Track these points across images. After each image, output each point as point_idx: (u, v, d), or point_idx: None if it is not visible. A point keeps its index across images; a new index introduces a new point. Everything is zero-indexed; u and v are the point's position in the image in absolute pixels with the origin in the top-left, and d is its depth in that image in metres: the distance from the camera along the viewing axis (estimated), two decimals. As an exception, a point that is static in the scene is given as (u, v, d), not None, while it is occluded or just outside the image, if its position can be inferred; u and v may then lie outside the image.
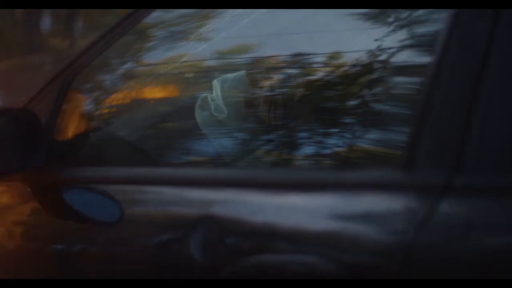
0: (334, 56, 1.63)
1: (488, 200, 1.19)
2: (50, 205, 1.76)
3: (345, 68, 1.61)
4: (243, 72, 1.79)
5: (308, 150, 1.61)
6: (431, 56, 1.29)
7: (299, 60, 1.71)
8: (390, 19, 1.50)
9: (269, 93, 1.74)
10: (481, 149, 1.20)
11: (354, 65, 1.57)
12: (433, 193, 1.22)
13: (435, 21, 1.35)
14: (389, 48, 1.48)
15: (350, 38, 1.60)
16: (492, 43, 1.22)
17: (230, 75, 1.80)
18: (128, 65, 2.05)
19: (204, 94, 1.79)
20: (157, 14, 1.95)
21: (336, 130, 1.58)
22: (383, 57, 1.49)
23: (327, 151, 1.57)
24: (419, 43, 1.44)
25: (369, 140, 1.48)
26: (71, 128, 1.86)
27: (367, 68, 1.52)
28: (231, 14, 1.87)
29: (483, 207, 1.18)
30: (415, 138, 1.26)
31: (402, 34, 1.47)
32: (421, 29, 1.45)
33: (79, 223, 1.70)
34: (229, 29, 1.86)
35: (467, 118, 1.21)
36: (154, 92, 1.98)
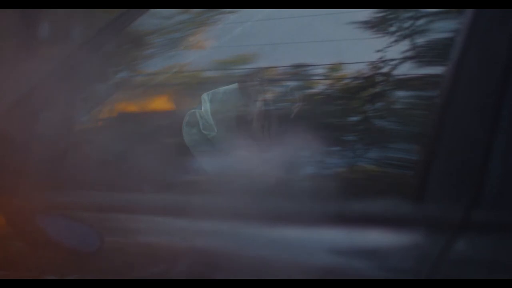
0: (333, 67, 1.51)
1: (510, 238, 1.04)
2: (24, 232, 1.63)
3: (346, 80, 1.48)
4: (235, 85, 1.66)
5: (306, 170, 1.48)
6: (444, 70, 1.16)
7: (296, 72, 1.59)
8: (392, 29, 1.38)
9: (263, 108, 1.60)
10: (503, 180, 1.05)
11: (356, 78, 1.45)
12: (448, 229, 1.07)
13: (441, 31, 1.26)
14: (394, 60, 1.35)
15: (351, 49, 1.47)
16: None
17: (221, 89, 1.67)
18: (114, 75, 1.93)
19: (192, 110, 1.66)
20: (148, 21, 1.84)
21: (337, 148, 1.45)
22: (387, 69, 1.37)
23: (327, 172, 1.43)
24: (428, 54, 1.32)
25: (373, 162, 1.35)
26: (49, 146, 1.73)
27: (370, 81, 1.40)
28: (225, 21, 1.75)
29: (505, 245, 1.03)
30: (427, 166, 1.11)
31: (405, 44, 1.35)
32: (427, 39, 1.33)
33: (55, 251, 1.57)
34: (223, 38, 1.75)
35: (487, 142, 1.06)
36: (141, 106, 1.85)
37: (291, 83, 1.62)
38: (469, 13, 1.14)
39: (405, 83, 1.36)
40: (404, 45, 1.36)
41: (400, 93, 1.40)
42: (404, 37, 1.37)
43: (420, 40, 1.36)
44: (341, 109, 1.50)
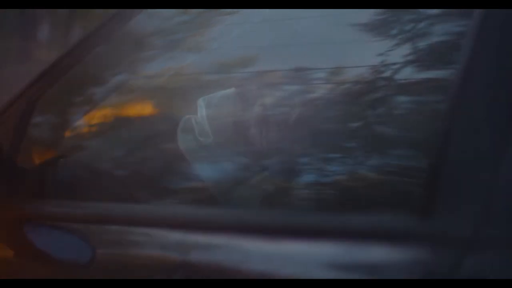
0: (334, 71, 1.46)
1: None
2: (11, 243, 1.58)
3: (347, 85, 1.43)
4: (232, 90, 1.61)
5: (306, 178, 1.43)
6: (451, 74, 1.10)
7: (296, 76, 1.53)
8: (395, 31, 1.34)
9: (261, 114, 1.54)
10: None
11: (357, 82, 1.39)
12: (456, 246, 1.01)
13: (447, 33, 1.22)
14: (396, 63, 1.31)
15: (352, 52, 1.42)
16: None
17: (218, 93, 1.62)
18: (106, 79, 1.88)
19: (188, 115, 1.60)
20: (146, 22, 1.80)
21: (338, 155, 1.40)
22: (389, 73, 1.32)
23: (327, 181, 1.38)
24: (432, 58, 1.26)
25: (375, 170, 1.29)
26: (38, 153, 1.68)
27: (372, 85, 1.35)
28: (224, 23, 1.71)
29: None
30: (433, 177, 1.05)
31: (408, 47, 1.31)
32: (431, 41, 1.28)
33: (44, 263, 1.52)
34: (221, 39, 1.70)
35: (497, 152, 1.00)
36: (136, 110, 1.80)
37: (290, 87, 1.56)
38: (477, 14, 1.09)
39: (408, 87, 1.31)
40: (407, 48, 1.31)
41: (404, 98, 1.35)
42: (407, 39, 1.32)
43: (424, 43, 1.31)
44: (342, 115, 1.45)
